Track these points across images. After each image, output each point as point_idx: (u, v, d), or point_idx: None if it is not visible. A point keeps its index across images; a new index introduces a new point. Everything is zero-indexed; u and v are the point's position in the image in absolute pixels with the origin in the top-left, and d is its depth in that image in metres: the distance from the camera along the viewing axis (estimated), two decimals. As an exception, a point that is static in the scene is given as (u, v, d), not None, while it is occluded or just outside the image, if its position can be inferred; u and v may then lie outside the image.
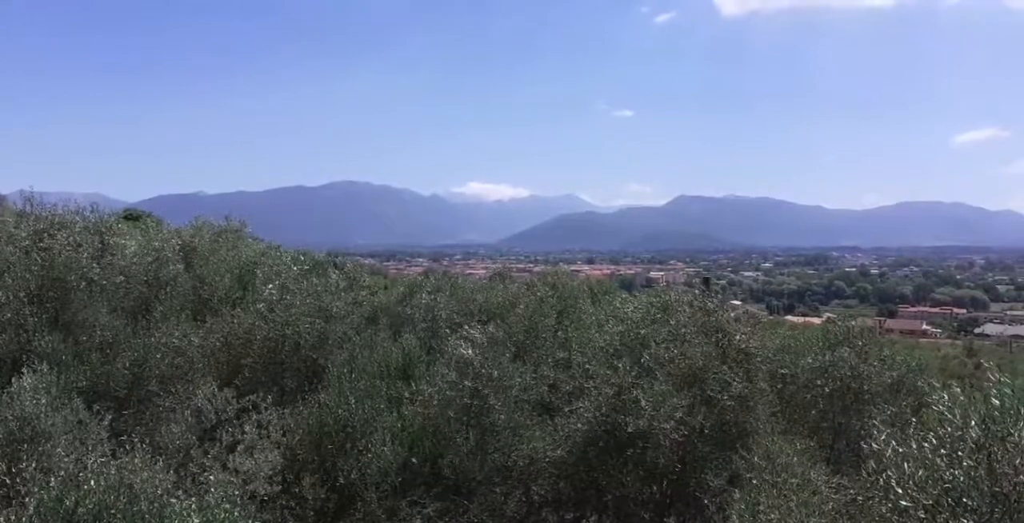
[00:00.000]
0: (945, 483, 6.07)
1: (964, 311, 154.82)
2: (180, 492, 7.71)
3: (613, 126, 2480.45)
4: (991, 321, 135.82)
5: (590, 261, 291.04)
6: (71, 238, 14.42)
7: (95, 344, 13.70)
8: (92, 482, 7.14)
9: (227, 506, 7.27)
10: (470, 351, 13.27)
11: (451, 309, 18.32)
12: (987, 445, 6.00)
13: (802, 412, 13.71)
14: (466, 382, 13.03)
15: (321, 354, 15.23)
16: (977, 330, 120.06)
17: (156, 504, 7.13)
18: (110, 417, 10.96)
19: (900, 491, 6.23)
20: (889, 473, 6.42)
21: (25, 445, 9.19)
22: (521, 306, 17.40)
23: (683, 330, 13.68)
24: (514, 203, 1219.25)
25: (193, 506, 7.14)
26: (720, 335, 13.66)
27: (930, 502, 6.06)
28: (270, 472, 11.73)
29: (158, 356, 13.82)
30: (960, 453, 6.12)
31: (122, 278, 15.08)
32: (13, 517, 7.72)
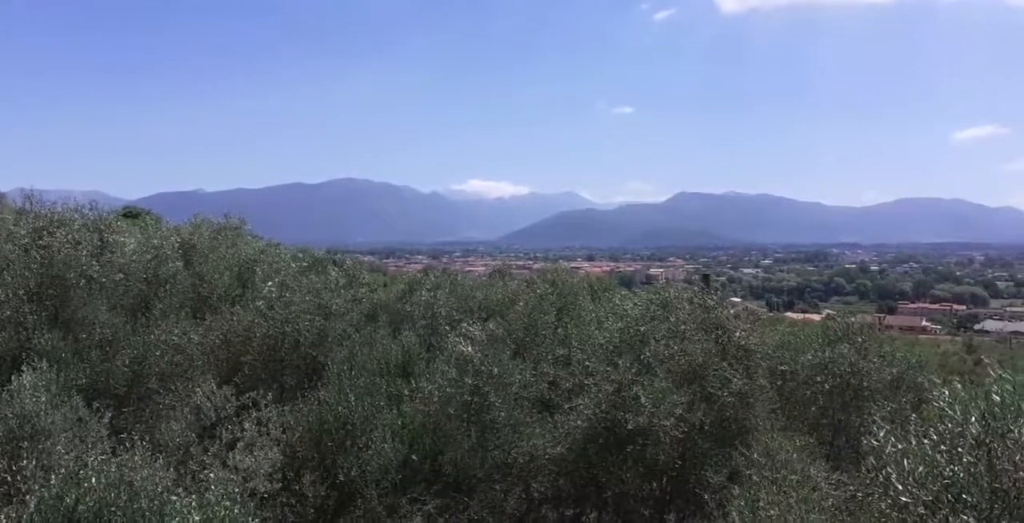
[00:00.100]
0: (945, 479, 6.07)
1: (964, 307, 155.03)
2: (180, 489, 7.72)
3: (613, 123, 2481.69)
4: (991, 317, 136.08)
5: (590, 258, 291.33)
6: (70, 236, 14.42)
7: (95, 342, 13.70)
8: (92, 480, 7.15)
9: (227, 503, 7.26)
10: (470, 348, 13.27)
11: (451, 306, 18.32)
12: (987, 441, 6.00)
13: (802, 408, 13.73)
14: (466, 379, 13.03)
15: (321, 351, 15.24)
16: (977, 326, 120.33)
17: (156, 501, 7.14)
18: (110, 415, 10.97)
19: (900, 487, 6.23)
20: (889, 469, 6.42)
21: (25, 443, 9.21)
22: (521, 303, 17.38)
23: (683, 327, 13.68)
24: (514, 200, 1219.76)
25: (193, 503, 7.14)
26: (720, 332, 13.67)
27: (930, 498, 6.06)
28: (270, 469, 11.74)
29: (158, 354, 13.83)
30: (960, 449, 6.12)
31: (121, 276, 15.08)
32: (14, 514, 7.74)
